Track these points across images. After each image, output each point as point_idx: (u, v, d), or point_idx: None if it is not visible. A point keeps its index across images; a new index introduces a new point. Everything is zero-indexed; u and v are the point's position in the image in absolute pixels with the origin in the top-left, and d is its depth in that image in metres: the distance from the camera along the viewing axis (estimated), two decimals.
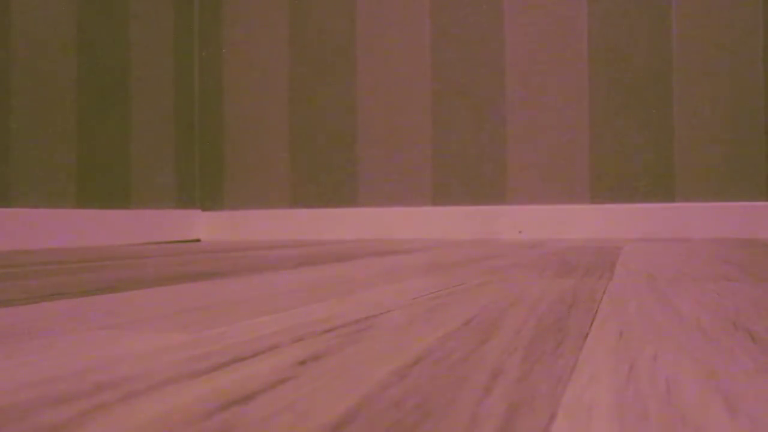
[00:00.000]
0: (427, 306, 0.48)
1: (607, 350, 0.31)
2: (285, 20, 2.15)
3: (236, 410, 0.22)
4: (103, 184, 1.87)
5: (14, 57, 1.63)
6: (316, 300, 0.52)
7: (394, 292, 0.57)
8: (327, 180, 2.10)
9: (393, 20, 2.04)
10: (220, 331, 0.38)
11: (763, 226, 1.74)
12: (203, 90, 2.24)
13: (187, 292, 0.58)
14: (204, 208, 2.24)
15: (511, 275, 0.72)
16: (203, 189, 2.24)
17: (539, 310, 0.45)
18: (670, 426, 0.20)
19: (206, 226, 2.22)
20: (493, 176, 1.94)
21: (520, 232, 1.90)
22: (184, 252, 1.37)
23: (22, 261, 1.10)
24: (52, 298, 0.55)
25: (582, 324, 0.39)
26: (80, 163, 1.80)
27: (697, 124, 1.80)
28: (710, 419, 0.21)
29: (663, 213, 1.81)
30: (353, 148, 2.07)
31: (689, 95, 1.81)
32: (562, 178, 1.89)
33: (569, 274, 0.72)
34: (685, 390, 0.24)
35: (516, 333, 0.36)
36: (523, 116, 1.92)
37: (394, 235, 2.01)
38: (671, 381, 0.25)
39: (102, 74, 1.87)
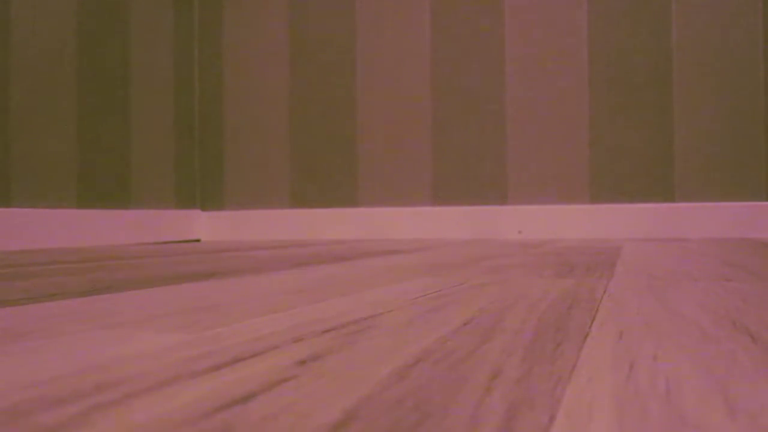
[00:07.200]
0: (427, 306, 0.48)
1: (607, 350, 0.31)
2: (285, 21, 2.15)
3: (236, 410, 0.22)
4: (103, 184, 1.87)
5: (14, 56, 1.63)
6: (316, 300, 0.52)
7: (394, 292, 0.57)
8: (327, 180, 2.10)
9: (393, 20, 2.04)
10: (219, 331, 0.38)
11: (763, 226, 1.74)
12: (203, 90, 2.24)
13: (187, 292, 0.58)
14: (204, 208, 2.24)
15: (511, 275, 0.72)
16: (203, 189, 2.24)
17: (539, 310, 0.45)
18: (670, 426, 0.20)
19: (206, 226, 2.22)
20: (493, 176, 1.94)
21: (519, 232, 1.90)
22: (184, 252, 1.37)
23: (22, 261, 1.10)
24: (53, 298, 0.55)
25: (582, 324, 0.39)
26: (80, 163, 1.80)
27: (697, 124, 1.80)
28: (710, 419, 0.21)
29: (663, 213, 1.81)
30: (353, 148, 2.07)
31: (689, 95, 1.81)
32: (562, 178, 1.89)
33: (569, 274, 0.72)
34: (685, 390, 0.24)
35: (516, 333, 0.36)
36: (523, 116, 1.92)
37: (394, 235, 2.01)
38: (671, 381, 0.25)
39: (102, 74, 1.87)
